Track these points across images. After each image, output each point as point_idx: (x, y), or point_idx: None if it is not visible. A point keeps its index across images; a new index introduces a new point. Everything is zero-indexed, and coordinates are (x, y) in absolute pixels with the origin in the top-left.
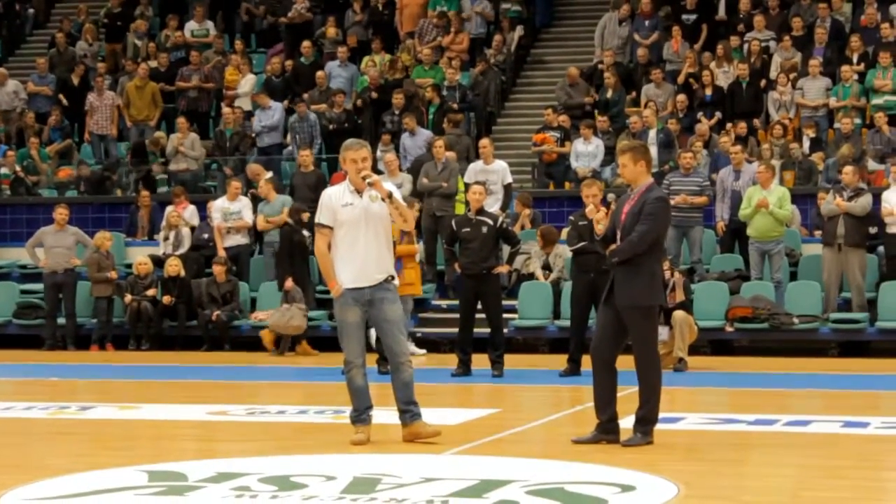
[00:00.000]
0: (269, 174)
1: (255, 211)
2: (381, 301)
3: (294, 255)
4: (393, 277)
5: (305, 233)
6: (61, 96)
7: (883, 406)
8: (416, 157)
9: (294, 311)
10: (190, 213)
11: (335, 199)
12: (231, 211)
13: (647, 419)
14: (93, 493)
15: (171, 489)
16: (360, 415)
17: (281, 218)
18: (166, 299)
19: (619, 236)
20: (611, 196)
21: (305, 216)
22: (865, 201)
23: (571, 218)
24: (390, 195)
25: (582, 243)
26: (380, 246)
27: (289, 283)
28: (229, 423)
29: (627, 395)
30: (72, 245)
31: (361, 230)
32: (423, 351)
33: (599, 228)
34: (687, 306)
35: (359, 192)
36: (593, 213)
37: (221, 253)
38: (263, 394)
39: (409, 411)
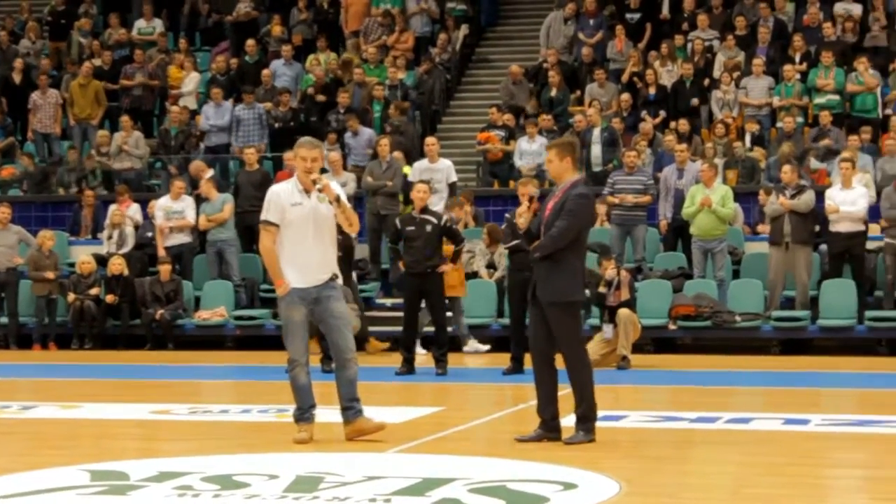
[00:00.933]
0: (211, 172)
1: (198, 210)
2: (327, 299)
3: (342, 256)
4: (336, 276)
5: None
6: (3, 99)
7: (823, 403)
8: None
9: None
10: (133, 211)
11: (284, 197)
12: (174, 210)
13: (586, 416)
14: (34, 493)
15: (112, 488)
16: (304, 413)
17: (222, 216)
18: (109, 298)
19: (542, 232)
20: (534, 192)
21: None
22: (808, 198)
23: (507, 216)
24: (338, 198)
25: (516, 241)
26: (325, 246)
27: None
28: (172, 422)
29: (568, 394)
30: (14, 244)
31: (309, 230)
32: (487, 347)
33: (521, 222)
34: (631, 304)
35: (307, 191)
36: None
37: (162, 252)
38: (206, 393)
39: (351, 408)
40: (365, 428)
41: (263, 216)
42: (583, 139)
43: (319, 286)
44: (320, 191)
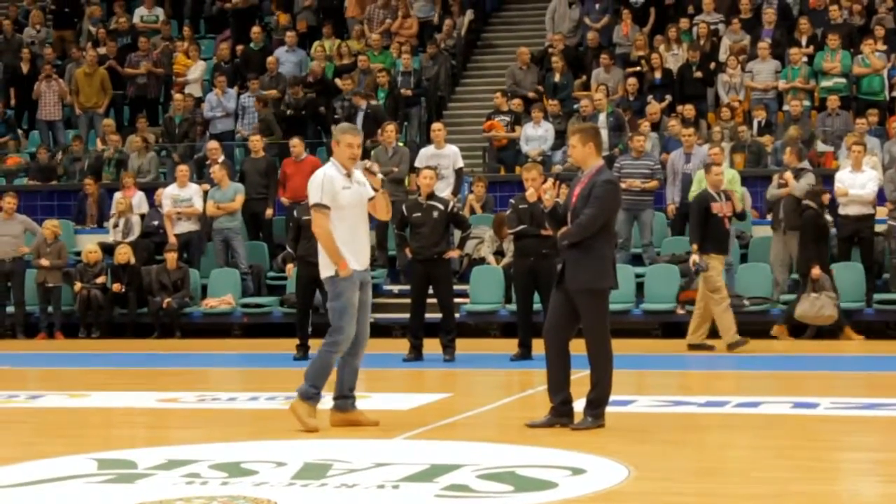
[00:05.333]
0: (222, 158)
1: (206, 196)
2: (366, 284)
3: (819, 240)
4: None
5: (828, 217)
6: (11, 89)
7: (832, 386)
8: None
9: (824, 299)
10: (138, 199)
11: (336, 182)
12: (181, 198)
13: (597, 402)
14: (41, 482)
15: (120, 477)
16: (319, 395)
17: (233, 206)
18: (116, 287)
19: (569, 219)
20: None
21: (826, 197)
22: (804, 182)
23: (512, 201)
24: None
25: (522, 227)
26: (367, 229)
27: (816, 270)
28: (180, 410)
29: (578, 379)
30: (20, 233)
31: (359, 214)
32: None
33: (548, 199)
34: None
35: (348, 175)
36: (533, 197)
37: (172, 240)
38: (214, 381)
39: (352, 397)
40: (361, 420)
41: (317, 199)
42: None
43: (365, 270)
44: (373, 173)
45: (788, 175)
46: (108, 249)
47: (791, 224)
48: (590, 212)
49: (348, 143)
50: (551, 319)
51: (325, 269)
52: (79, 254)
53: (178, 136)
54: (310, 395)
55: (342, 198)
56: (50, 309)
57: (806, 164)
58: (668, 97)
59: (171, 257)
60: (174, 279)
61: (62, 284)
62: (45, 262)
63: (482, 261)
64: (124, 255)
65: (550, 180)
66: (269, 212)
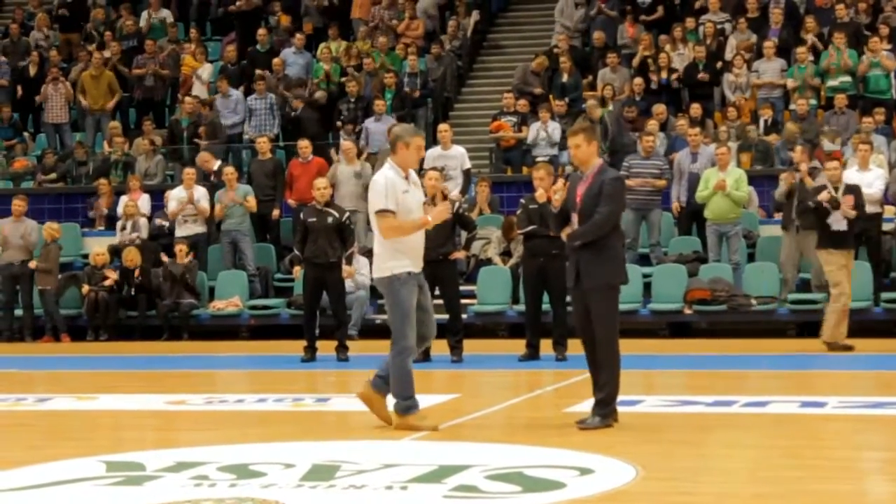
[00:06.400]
0: (219, 162)
1: (213, 199)
2: (422, 287)
3: None
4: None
5: None
6: (18, 87)
7: (840, 385)
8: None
9: None
10: (144, 201)
11: (398, 186)
12: (188, 200)
13: (605, 401)
14: (50, 485)
15: (129, 479)
16: (415, 401)
17: (248, 204)
18: (141, 280)
19: (575, 219)
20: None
21: None
22: (818, 181)
23: (522, 201)
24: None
25: (532, 227)
26: (424, 233)
27: None
28: (188, 412)
29: (585, 380)
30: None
31: (417, 217)
32: None
33: (557, 200)
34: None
35: (406, 178)
36: (543, 197)
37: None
38: (222, 383)
39: (388, 387)
40: (381, 410)
41: (383, 205)
42: None
43: (420, 273)
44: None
45: (804, 169)
46: (117, 251)
47: (806, 224)
48: (605, 209)
49: (418, 145)
50: (577, 319)
51: (378, 271)
52: (87, 256)
53: (187, 139)
54: (408, 408)
55: (403, 201)
56: (56, 312)
57: (816, 163)
58: (677, 84)
59: (180, 249)
60: (181, 272)
61: (50, 287)
62: (32, 264)
63: (489, 262)
64: (132, 260)
65: (561, 181)
66: (276, 213)
